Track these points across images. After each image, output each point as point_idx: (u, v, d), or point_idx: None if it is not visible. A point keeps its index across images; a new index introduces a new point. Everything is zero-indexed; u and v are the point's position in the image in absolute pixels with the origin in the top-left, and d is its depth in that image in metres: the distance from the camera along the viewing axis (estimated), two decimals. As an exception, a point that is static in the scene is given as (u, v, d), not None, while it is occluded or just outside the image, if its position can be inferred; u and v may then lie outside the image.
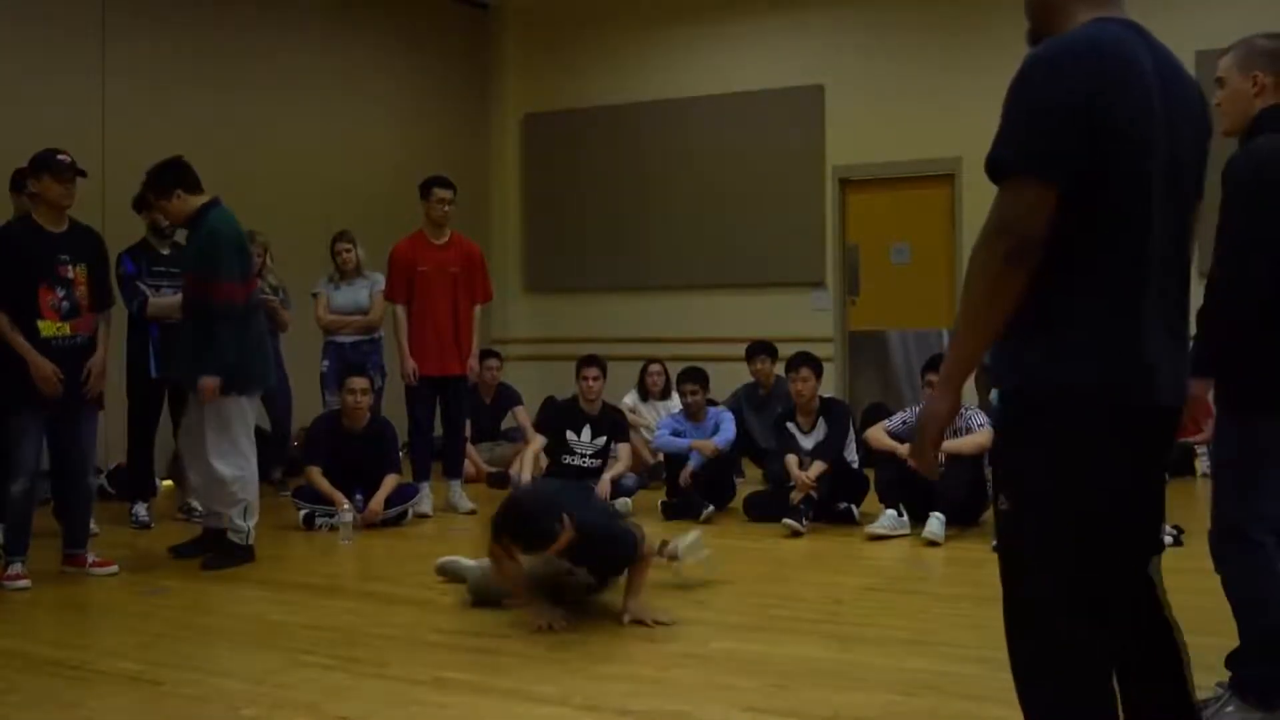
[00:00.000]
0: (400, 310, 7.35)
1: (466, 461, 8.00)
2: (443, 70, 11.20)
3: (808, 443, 6.85)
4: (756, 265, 10.42)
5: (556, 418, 7.65)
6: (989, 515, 6.31)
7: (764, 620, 4.64)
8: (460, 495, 7.39)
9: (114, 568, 5.58)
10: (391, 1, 10.62)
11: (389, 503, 6.84)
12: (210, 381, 5.55)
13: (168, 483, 7.65)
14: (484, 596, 4.84)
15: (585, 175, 11.22)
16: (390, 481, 6.88)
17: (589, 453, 7.40)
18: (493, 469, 8.53)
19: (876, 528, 6.26)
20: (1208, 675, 3.44)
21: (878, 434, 6.64)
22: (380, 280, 7.81)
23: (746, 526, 6.79)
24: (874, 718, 3.46)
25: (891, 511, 6.30)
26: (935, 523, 6.10)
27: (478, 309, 7.52)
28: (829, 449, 6.72)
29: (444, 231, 7.43)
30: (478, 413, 8.64)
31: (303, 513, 6.78)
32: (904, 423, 6.67)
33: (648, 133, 10.93)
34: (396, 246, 7.47)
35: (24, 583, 5.24)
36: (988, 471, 5.82)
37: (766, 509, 6.80)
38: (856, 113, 10.10)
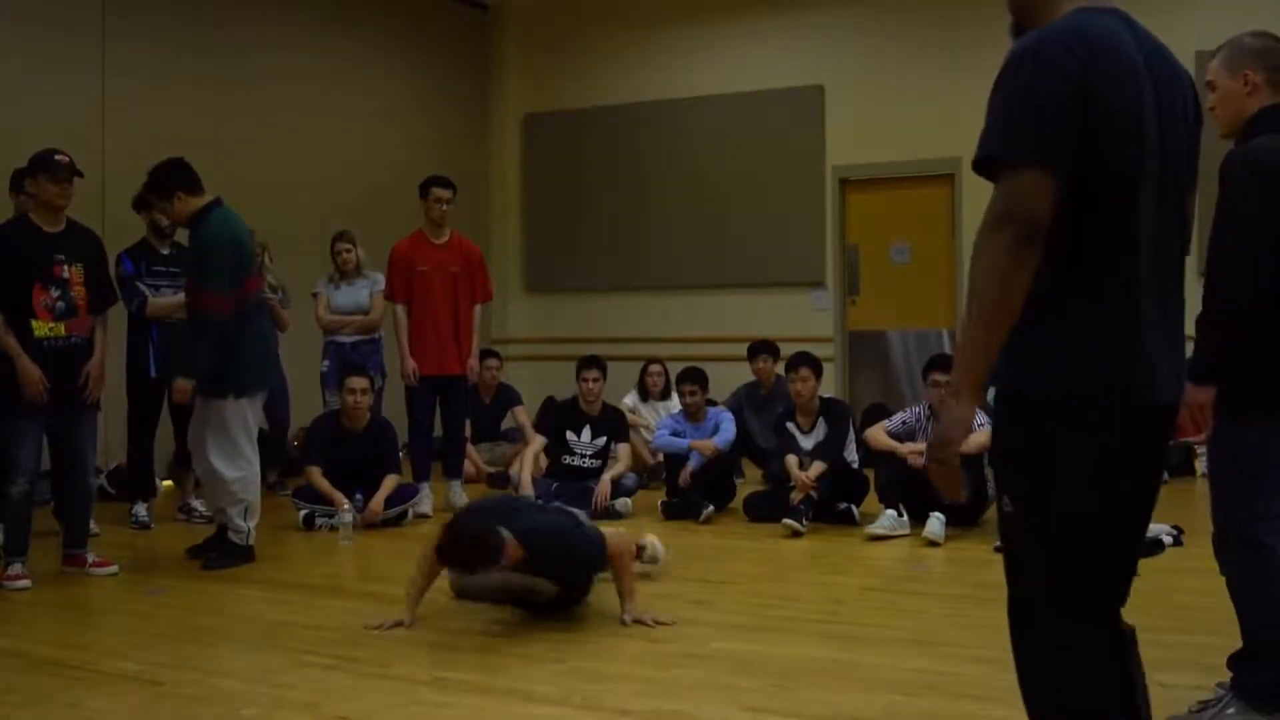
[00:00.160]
0: (400, 310, 7.35)
1: (466, 461, 8.01)
2: (443, 70, 11.20)
3: (808, 443, 6.85)
4: (756, 265, 10.42)
5: (556, 418, 7.65)
6: (990, 515, 6.31)
7: (764, 620, 4.63)
8: (460, 495, 7.39)
9: (114, 568, 5.58)
10: (391, 2, 10.62)
11: (389, 503, 6.84)
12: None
13: (168, 483, 7.64)
14: (465, 593, 4.81)
15: (585, 175, 11.21)
16: (390, 482, 6.87)
17: (589, 453, 7.41)
18: (493, 469, 8.52)
19: (876, 528, 6.25)
20: (1208, 675, 3.44)
21: (878, 434, 6.64)
22: (380, 280, 7.80)
23: (746, 526, 6.78)
24: (874, 718, 3.46)
25: (891, 512, 6.29)
26: (935, 523, 6.10)
27: (477, 309, 7.52)
28: (829, 449, 6.72)
29: (444, 231, 7.44)
30: (478, 413, 8.63)
31: (303, 513, 6.78)
32: (904, 423, 6.67)
33: (648, 133, 10.92)
34: (396, 246, 7.48)
35: (24, 583, 5.25)
36: (988, 471, 5.81)
37: (766, 509, 6.79)
38: (856, 113, 10.10)
